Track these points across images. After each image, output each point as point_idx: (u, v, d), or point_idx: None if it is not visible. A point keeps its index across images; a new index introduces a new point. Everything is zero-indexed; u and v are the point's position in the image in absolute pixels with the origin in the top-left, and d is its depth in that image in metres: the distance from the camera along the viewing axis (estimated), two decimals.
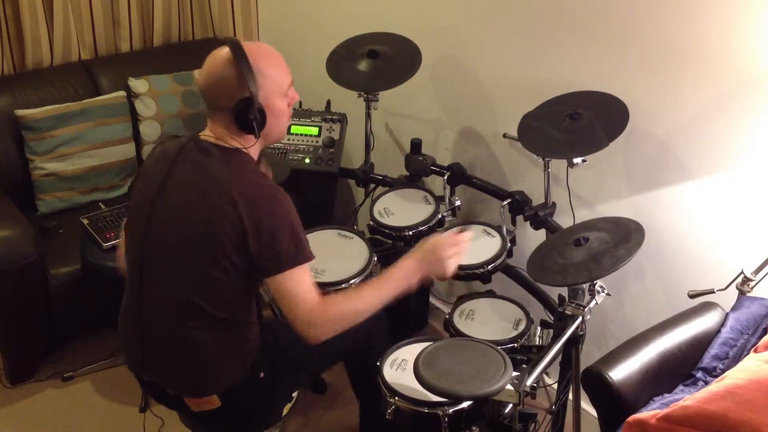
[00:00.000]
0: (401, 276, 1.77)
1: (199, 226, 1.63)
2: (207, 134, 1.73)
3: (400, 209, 2.38)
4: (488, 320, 2.13)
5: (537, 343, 2.05)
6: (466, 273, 2.11)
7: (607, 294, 1.84)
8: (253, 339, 1.80)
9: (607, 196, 2.27)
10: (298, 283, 1.66)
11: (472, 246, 2.18)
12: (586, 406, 1.98)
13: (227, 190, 1.61)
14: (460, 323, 2.11)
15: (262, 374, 1.82)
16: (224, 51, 1.66)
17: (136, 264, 1.75)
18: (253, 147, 1.73)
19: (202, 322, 1.68)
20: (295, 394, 2.02)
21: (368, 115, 2.61)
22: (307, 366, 2.01)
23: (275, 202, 1.64)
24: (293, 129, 2.78)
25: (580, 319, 1.80)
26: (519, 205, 2.29)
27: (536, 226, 2.27)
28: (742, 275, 1.80)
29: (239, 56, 1.62)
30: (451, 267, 1.81)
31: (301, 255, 1.66)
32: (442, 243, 1.82)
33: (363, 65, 2.50)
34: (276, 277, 1.64)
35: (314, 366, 2.09)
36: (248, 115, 1.64)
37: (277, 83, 1.70)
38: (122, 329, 1.83)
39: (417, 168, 2.55)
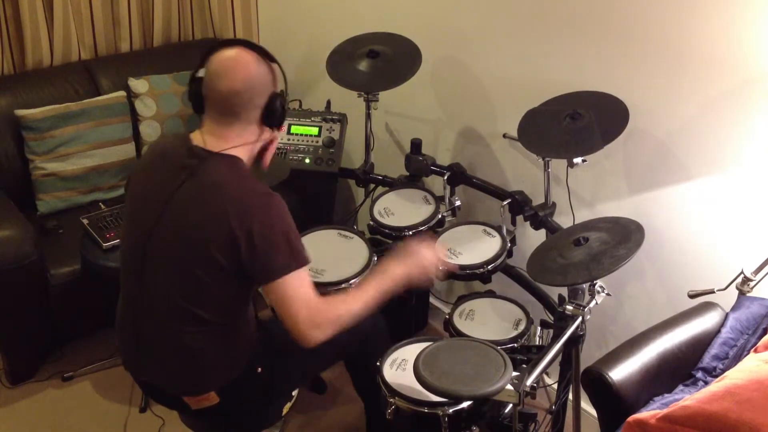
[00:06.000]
0: (391, 286, 1.79)
1: (192, 234, 1.62)
2: (205, 139, 1.69)
3: (400, 209, 2.38)
4: (488, 320, 2.13)
5: (537, 343, 2.06)
6: (466, 273, 2.10)
7: (607, 294, 1.84)
8: (250, 337, 1.80)
9: (607, 196, 2.27)
10: (299, 288, 1.65)
11: (473, 246, 2.19)
12: (586, 406, 1.98)
13: (221, 199, 1.61)
14: (460, 323, 2.11)
15: (259, 369, 1.82)
16: (243, 52, 1.66)
17: (132, 268, 1.75)
18: (256, 145, 1.74)
19: (197, 327, 1.68)
20: (294, 393, 2.02)
21: (368, 115, 2.61)
22: (305, 364, 2.00)
23: (267, 208, 1.63)
24: (293, 129, 2.78)
25: (580, 319, 1.80)
26: (519, 205, 2.29)
27: (536, 226, 2.27)
28: (742, 275, 1.80)
29: (264, 53, 1.68)
30: (434, 274, 1.90)
31: (296, 261, 1.64)
32: (424, 254, 1.87)
33: (363, 65, 2.50)
34: (273, 285, 1.63)
35: (312, 364, 2.08)
36: (279, 107, 1.69)
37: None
38: (119, 331, 1.84)
39: (417, 168, 2.55)
